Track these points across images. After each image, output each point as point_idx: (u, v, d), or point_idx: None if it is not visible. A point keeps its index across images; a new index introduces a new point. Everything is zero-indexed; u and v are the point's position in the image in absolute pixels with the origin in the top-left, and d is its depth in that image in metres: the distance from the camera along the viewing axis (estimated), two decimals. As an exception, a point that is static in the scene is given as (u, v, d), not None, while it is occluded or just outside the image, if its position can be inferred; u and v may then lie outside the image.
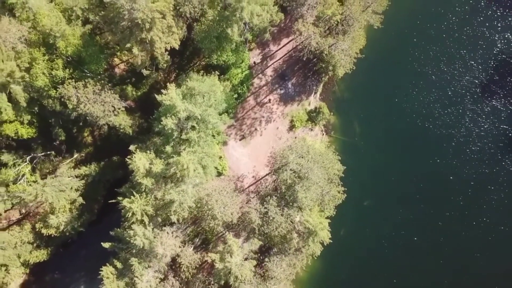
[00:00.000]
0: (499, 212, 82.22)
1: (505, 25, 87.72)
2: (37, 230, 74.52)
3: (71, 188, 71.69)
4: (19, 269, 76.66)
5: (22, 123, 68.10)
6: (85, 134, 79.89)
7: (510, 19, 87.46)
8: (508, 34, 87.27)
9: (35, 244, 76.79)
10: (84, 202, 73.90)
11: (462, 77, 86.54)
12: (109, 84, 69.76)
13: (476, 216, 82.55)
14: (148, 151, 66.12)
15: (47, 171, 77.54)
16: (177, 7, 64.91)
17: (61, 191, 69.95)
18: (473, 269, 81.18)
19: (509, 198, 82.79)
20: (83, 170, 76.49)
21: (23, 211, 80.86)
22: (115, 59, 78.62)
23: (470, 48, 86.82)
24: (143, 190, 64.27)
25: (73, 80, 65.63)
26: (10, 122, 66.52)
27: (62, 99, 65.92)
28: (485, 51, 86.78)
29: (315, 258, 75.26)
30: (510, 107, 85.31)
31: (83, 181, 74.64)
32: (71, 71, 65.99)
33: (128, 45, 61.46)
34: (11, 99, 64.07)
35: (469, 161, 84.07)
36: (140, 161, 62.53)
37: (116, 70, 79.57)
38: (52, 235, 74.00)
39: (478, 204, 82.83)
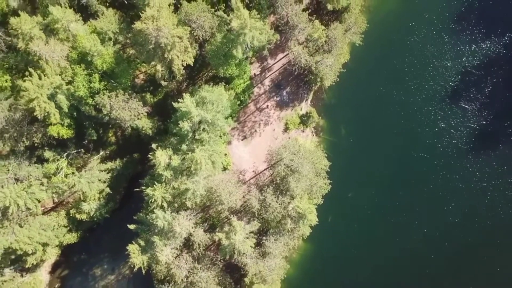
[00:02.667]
0: (462, 194, 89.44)
1: (471, 38, 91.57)
2: (71, 215, 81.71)
3: (100, 180, 78.72)
4: (54, 249, 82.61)
5: (62, 125, 74.55)
6: (110, 135, 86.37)
7: (474, 33, 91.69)
8: (474, 46, 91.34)
9: (68, 228, 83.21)
10: (110, 192, 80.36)
11: (435, 83, 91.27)
12: (134, 94, 76.08)
13: (445, 200, 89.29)
14: (167, 149, 71.61)
15: (79, 165, 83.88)
16: (192, 32, 72.06)
17: (92, 182, 76.58)
18: (449, 250, 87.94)
19: (472, 185, 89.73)
20: (109, 165, 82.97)
21: (56, 200, 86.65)
22: (136, 70, 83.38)
23: (442, 58, 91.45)
24: (163, 180, 70.26)
25: (107, 90, 72.48)
26: (54, 124, 73.17)
27: (97, 106, 72.82)
28: (455, 60, 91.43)
29: (305, 239, 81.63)
30: (475, 108, 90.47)
31: (109, 174, 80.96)
32: (105, 83, 72.50)
33: (153, 62, 69.05)
34: (55, 105, 70.60)
35: (440, 154, 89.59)
36: (161, 156, 69.10)
37: (137, 80, 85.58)
38: (83, 220, 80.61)
39: (447, 190, 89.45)
